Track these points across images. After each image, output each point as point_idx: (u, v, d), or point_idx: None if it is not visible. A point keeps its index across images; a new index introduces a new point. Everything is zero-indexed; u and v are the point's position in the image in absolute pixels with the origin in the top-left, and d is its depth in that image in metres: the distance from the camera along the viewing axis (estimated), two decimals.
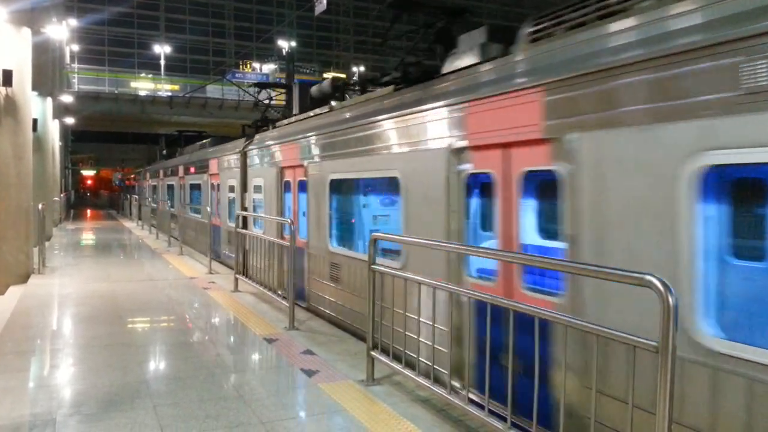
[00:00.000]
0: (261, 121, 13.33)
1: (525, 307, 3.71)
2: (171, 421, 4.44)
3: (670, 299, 2.62)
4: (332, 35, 77.63)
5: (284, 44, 49.90)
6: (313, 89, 10.12)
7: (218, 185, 14.28)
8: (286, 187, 9.85)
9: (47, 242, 15.58)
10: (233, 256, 11.96)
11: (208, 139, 18.91)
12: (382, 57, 77.26)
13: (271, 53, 62.89)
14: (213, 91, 46.16)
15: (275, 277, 9.08)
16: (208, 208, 14.22)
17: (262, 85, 17.13)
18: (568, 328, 3.38)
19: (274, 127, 11.34)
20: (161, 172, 24.98)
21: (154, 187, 27.62)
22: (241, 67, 61.65)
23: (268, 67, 59.11)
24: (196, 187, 17.41)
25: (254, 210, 11.44)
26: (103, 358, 6.07)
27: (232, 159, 12.76)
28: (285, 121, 10.94)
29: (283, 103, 23.01)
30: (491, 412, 3.97)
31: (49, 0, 14.50)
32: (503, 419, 3.81)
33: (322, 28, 75.70)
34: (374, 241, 5.29)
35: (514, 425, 3.77)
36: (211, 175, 15.08)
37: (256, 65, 61.35)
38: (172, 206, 20.78)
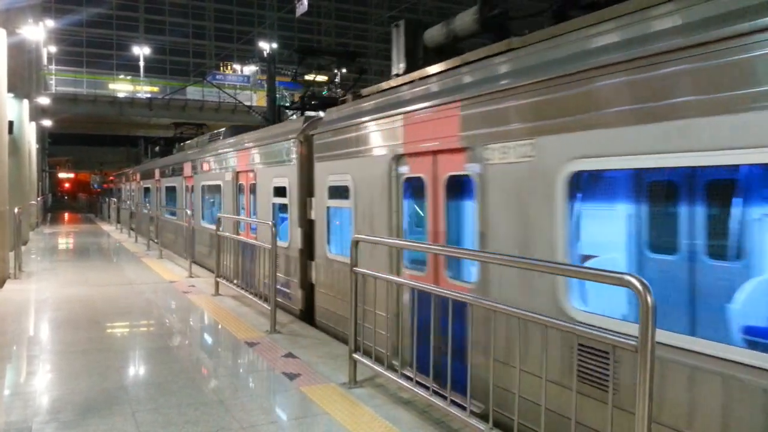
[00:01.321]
0: (309, 98, 10.14)
1: (509, 308, 3.72)
2: (150, 427, 4.38)
3: (649, 299, 2.64)
4: (314, 37, 77.47)
5: (265, 46, 49.69)
6: (428, 34, 6.82)
7: (252, 186, 10.45)
8: (437, 188, 5.58)
9: (24, 247, 15.32)
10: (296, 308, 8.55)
11: (222, 129, 14.53)
12: (363, 59, 77.22)
13: (252, 55, 62.56)
14: (193, 92, 45.78)
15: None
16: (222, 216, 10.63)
17: (311, 52, 11.23)
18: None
19: (359, 98, 7.39)
20: (156, 173, 20.89)
21: (147, 190, 23.52)
22: (221, 68, 61.22)
23: (249, 69, 58.77)
24: (212, 190, 13.45)
25: (331, 220, 7.67)
26: (81, 363, 5.97)
27: (280, 149, 8.91)
28: (402, 79, 6.50)
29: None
30: (473, 413, 3.97)
31: (25, 0, 14.22)
32: (485, 419, 3.82)
33: (303, 30, 75.54)
34: (356, 244, 5.28)
35: (496, 425, 3.77)
36: (238, 173, 11.28)
37: (237, 67, 60.98)
38: (172, 214, 17.14)
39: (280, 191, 8.93)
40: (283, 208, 9.06)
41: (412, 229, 6.21)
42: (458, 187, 5.43)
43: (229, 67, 61.28)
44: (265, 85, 40.56)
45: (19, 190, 18.23)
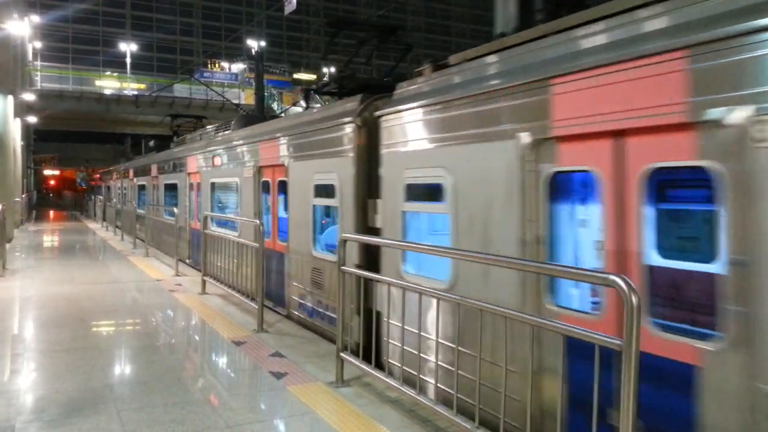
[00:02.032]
0: (343, 79, 8.06)
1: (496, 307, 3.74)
2: (135, 426, 4.36)
3: (633, 299, 2.67)
4: (302, 36, 77.28)
5: (253, 44, 49.49)
6: None
7: (281, 184, 8.60)
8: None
9: (8, 244, 15.15)
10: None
11: (232, 120, 12.80)
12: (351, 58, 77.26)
13: (240, 53, 62.27)
14: (181, 90, 45.53)
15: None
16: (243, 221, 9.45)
17: (345, 25, 8.58)
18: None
19: (442, 68, 5.65)
20: (153, 169, 18.60)
21: (141, 188, 21.31)
22: (209, 66, 60.89)
23: (237, 67, 58.51)
24: (226, 188, 11.63)
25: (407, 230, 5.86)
26: (66, 362, 5.92)
27: (327, 138, 7.06)
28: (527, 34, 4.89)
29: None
30: (460, 411, 3.99)
31: None
32: (471, 418, 3.84)
33: (292, 28, 75.34)
34: (344, 243, 5.27)
35: (482, 424, 3.79)
36: (261, 168, 9.31)
37: (225, 64, 60.68)
38: (170, 214, 14.10)
39: (324, 191, 7.22)
40: (323, 210, 7.78)
41: (565, 246, 4.32)
42: (670, 188, 3.98)
43: (216, 64, 60.96)
44: (253, 83, 40.46)
45: (4, 187, 18.04)
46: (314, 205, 7.49)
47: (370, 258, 6.21)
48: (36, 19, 43.97)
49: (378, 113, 6.12)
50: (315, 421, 4.49)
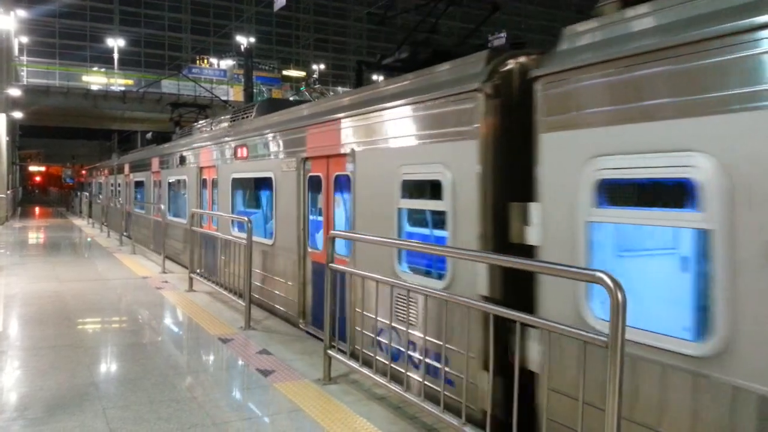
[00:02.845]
0: (422, 45, 6.79)
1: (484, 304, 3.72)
2: (121, 424, 4.32)
3: (620, 296, 2.68)
4: (292, 32, 77.00)
5: (243, 40, 49.24)
6: None
7: (342, 181, 6.82)
8: None
9: None
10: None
11: (254, 104, 10.89)
12: (341, 55, 77.18)
13: (229, 49, 61.98)
14: (168, 86, 45.19)
15: None
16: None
17: None
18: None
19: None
20: (155, 163, 16.07)
21: (138, 185, 18.80)
22: (198, 62, 60.53)
23: (226, 63, 58.22)
24: (254, 186, 10.15)
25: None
26: (50, 360, 5.87)
27: (429, 116, 5.14)
28: None
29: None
30: (446, 408, 3.99)
31: None
32: (458, 415, 3.84)
33: (281, 25, 75.03)
34: (332, 240, 5.26)
35: (468, 420, 3.79)
36: (306, 160, 7.44)
37: (214, 61, 60.35)
38: (174, 215, 13.04)
39: (418, 189, 5.51)
40: (414, 215, 5.96)
41: None
42: None
43: (205, 60, 60.62)
44: (242, 80, 40.30)
45: None
46: (399, 209, 5.47)
47: (516, 285, 4.22)
48: (22, 13, 43.49)
49: (539, 73, 4.04)
50: (302, 418, 4.48)
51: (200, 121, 14.43)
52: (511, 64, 4.49)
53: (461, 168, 4.68)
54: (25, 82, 40.99)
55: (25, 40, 49.06)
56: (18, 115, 33.51)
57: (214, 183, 10.98)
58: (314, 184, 7.40)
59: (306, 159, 7.42)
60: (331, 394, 4.98)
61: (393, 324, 5.00)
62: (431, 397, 4.26)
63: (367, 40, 79.25)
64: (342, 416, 4.50)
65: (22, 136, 51.63)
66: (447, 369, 4.51)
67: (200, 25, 72.39)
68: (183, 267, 9.91)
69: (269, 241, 8.36)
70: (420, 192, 5.49)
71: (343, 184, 6.83)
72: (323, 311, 5.43)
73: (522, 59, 4.50)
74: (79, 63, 58.68)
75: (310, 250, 7.44)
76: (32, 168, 70.24)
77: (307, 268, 7.39)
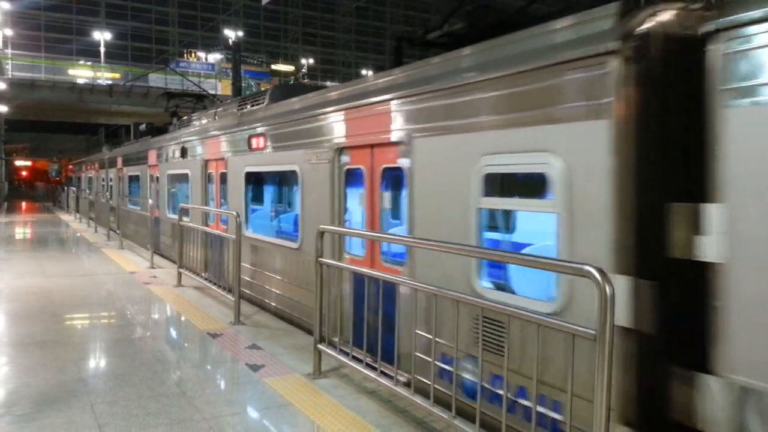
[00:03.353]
0: (479, 10, 5.86)
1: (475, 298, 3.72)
2: (109, 419, 4.30)
3: (608, 289, 2.70)
4: (280, 26, 76.57)
5: (231, 34, 48.92)
6: None
7: (391, 176, 5.83)
8: None
9: None
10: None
11: (267, 89, 10.11)
12: (330, 50, 76.88)
13: (217, 43, 61.53)
14: (156, 80, 44.87)
15: None
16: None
17: None
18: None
19: None
20: (152, 156, 14.61)
21: (133, 180, 17.39)
22: (185, 56, 60.05)
23: (214, 57, 57.82)
24: (277, 180, 9.61)
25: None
26: (37, 356, 5.82)
27: (541, 89, 3.92)
28: None
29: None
30: (437, 401, 4.00)
31: None
32: (448, 408, 3.85)
33: (270, 19, 74.57)
34: (321, 234, 5.25)
35: (458, 413, 3.81)
36: (342, 150, 6.37)
37: (202, 54, 59.91)
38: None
39: (509, 184, 4.58)
40: (493, 217, 5.35)
41: None
42: None
43: (193, 54, 60.16)
44: (230, 74, 40.06)
45: None
46: (479, 210, 4.41)
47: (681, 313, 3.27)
48: (6, 6, 42.96)
49: (720, 25, 2.99)
50: (292, 412, 4.48)
51: (202, 111, 13.30)
52: (654, 19, 3.33)
53: (582, 156, 3.61)
54: (10, 76, 40.53)
55: (9, 33, 48.44)
56: (3, 109, 33.15)
57: (223, 177, 9.75)
58: (353, 179, 6.31)
59: (342, 149, 6.27)
60: (322, 388, 4.98)
61: (471, 353, 4.22)
62: (421, 390, 4.27)
63: (356, 35, 78.99)
64: (332, 410, 4.51)
65: (7, 130, 51.09)
66: (560, 418, 3.63)
67: (188, 19, 71.77)
68: (196, 274, 9.25)
69: (294, 244, 7.22)
70: (510, 188, 4.48)
71: (393, 178, 5.76)
72: (366, 329, 4.73)
73: (669, 12, 3.33)
74: (65, 56, 58.03)
75: (347, 256, 6.19)
76: (18, 163, 69.49)
77: (344, 279, 5.89)
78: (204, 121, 11.87)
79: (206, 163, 10.63)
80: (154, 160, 14.48)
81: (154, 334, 6.80)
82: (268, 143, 8.03)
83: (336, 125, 6.37)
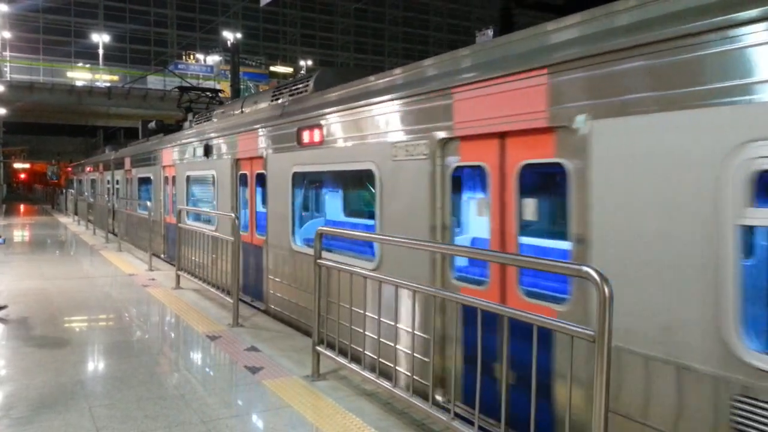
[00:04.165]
0: None
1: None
2: (107, 422, 4.29)
3: (606, 289, 2.69)
4: (279, 28, 76.61)
5: (229, 35, 48.97)
6: None
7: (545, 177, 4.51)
8: None
9: None
10: None
11: (301, 74, 7.87)
12: (328, 51, 76.90)
13: (216, 44, 61.56)
14: (154, 82, 44.89)
15: None
16: None
17: None
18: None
19: None
20: (165, 156, 13.32)
21: (144, 181, 15.85)
22: (184, 58, 60.08)
23: (213, 59, 57.84)
24: (326, 183, 8.23)
25: None
26: (35, 359, 5.81)
27: None
28: None
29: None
30: (435, 404, 4.00)
31: None
32: (447, 411, 3.85)
33: (268, 20, 74.62)
34: (320, 236, 5.25)
35: (457, 416, 3.80)
36: (458, 140, 4.76)
37: (200, 56, 59.93)
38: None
39: None
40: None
41: None
42: None
43: (191, 56, 60.18)
44: (229, 76, 40.06)
45: None
46: (741, 228, 2.89)
47: None
48: (4, 8, 42.96)
49: None
50: (291, 415, 4.47)
51: (225, 105, 11.81)
52: None
53: None
54: (8, 78, 40.54)
55: (8, 35, 48.45)
56: (1, 111, 33.12)
57: (260, 178, 8.46)
58: (466, 181, 5.18)
59: (448, 140, 4.79)
60: (320, 390, 4.97)
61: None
62: (420, 392, 4.27)
63: (355, 36, 79.03)
64: (331, 412, 4.50)
65: (6, 132, 51.04)
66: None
67: (186, 21, 71.80)
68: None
69: (370, 263, 5.66)
70: None
71: (542, 179, 4.49)
72: (479, 383, 3.67)
73: None
74: (63, 59, 58.02)
75: (457, 282, 4.70)
76: (16, 165, 69.42)
77: (450, 312, 4.59)
78: (228, 115, 10.56)
79: (237, 162, 9.16)
80: (169, 160, 13.03)
81: (152, 337, 6.79)
82: (327, 137, 6.50)
83: (440, 110, 4.81)
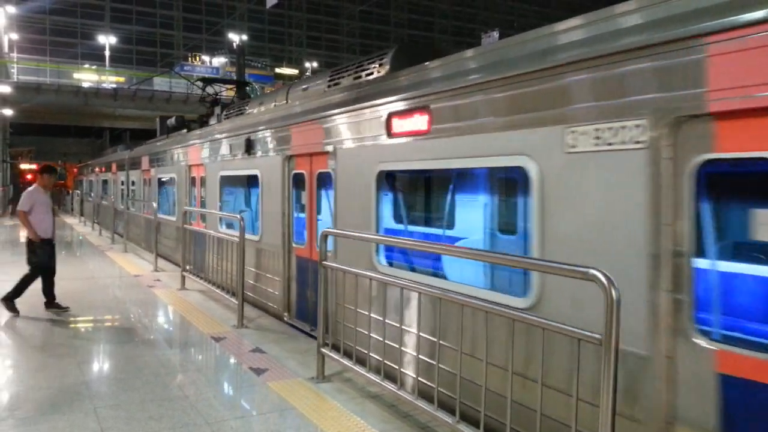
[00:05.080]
0: None
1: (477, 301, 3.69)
2: (112, 423, 4.29)
3: (614, 293, 2.68)
4: (284, 30, 76.76)
5: (235, 37, 49.06)
6: None
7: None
8: None
9: None
10: None
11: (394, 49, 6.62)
12: (334, 53, 77.01)
13: (221, 46, 61.74)
14: (161, 83, 45.00)
15: None
16: None
17: None
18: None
19: None
20: (192, 154, 11.78)
21: (165, 183, 14.23)
22: (190, 59, 60.26)
23: (219, 61, 57.99)
24: (469, 183, 6.16)
25: None
26: (41, 359, 5.82)
27: None
28: None
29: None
30: (440, 406, 3.98)
31: None
32: (452, 413, 3.83)
33: (274, 23, 74.77)
34: (325, 237, 5.24)
35: (463, 418, 3.79)
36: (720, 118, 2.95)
37: (206, 58, 60.11)
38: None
39: None
40: None
41: None
42: None
43: (197, 58, 60.36)
44: (235, 78, 40.14)
45: None
46: None
47: None
48: (12, 10, 43.20)
49: None
50: (295, 417, 4.46)
51: (264, 94, 10.29)
52: None
53: None
54: (15, 80, 40.75)
55: (15, 36, 48.69)
56: (9, 112, 33.30)
57: (324, 179, 7.02)
58: (723, 184, 3.61)
59: (690, 119, 3.11)
60: (325, 392, 4.96)
61: None
62: (425, 394, 4.25)
63: (360, 38, 79.10)
64: (335, 414, 4.49)
65: (12, 133, 51.27)
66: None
67: (192, 23, 72.01)
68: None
69: (523, 301, 3.99)
70: None
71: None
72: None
73: None
74: (70, 60, 58.27)
75: (719, 348, 2.99)
76: (23, 166, 69.75)
77: (690, 370, 3.08)
78: (267, 106, 9.15)
79: (290, 159, 7.60)
80: (197, 158, 11.42)
81: (157, 338, 6.79)
82: (439, 123, 4.86)
83: (679, 70, 3.12)
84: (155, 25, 70.26)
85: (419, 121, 5.09)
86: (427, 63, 5.39)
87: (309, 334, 6.79)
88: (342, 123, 6.34)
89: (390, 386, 4.46)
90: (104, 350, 6.27)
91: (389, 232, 6.20)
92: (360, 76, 6.73)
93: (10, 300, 7.88)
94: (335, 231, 5.49)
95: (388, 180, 5.99)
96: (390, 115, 5.48)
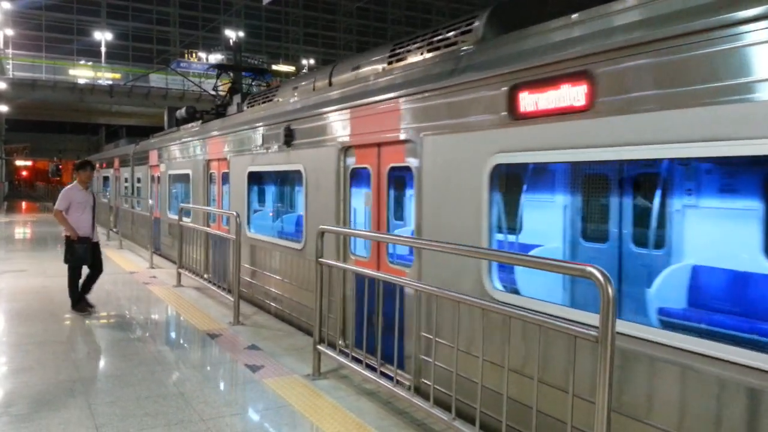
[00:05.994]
0: None
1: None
2: (107, 420, 4.28)
3: (610, 290, 2.67)
4: (281, 27, 76.60)
5: (231, 34, 48.88)
6: None
7: None
8: None
9: None
10: None
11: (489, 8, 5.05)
12: (331, 50, 76.91)
13: (218, 43, 61.56)
14: (157, 80, 44.88)
15: None
16: None
17: None
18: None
19: None
20: (214, 145, 10.26)
21: (180, 179, 12.51)
22: (186, 56, 60.09)
23: (215, 57, 57.82)
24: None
25: None
26: (36, 356, 5.80)
27: None
28: None
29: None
30: (436, 403, 3.98)
31: None
32: (448, 409, 3.83)
33: (270, 19, 74.60)
34: (321, 234, 5.23)
35: (458, 415, 3.78)
36: None
37: (202, 55, 59.92)
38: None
39: None
40: None
41: None
42: None
43: (194, 54, 60.19)
44: (231, 74, 39.99)
45: None
46: None
47: None
48: (7, 5, 42.97)
49: None
50: (291, 413, 4.45)
51: (297, 77, 8.78)
52: None
53: None
54: (11, 76, 40.57)
55: (10, 32, 48.47)
56: (4, 108, 33.16)
57: (397, 176, 5.86)
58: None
59: None
60: (321, 389, 4.95)
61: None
62: (421, 392, 4.24)
63: (357, 35, 78.99)
64: (331, 411, 4.48)
65: (8, 130, 51.15)
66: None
67: (188, 19, 71.80)
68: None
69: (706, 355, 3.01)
70: None
71: None
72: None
73: None
74: (65, 56, 58.03)
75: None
76: (18, 162, 69.52)
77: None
78: (312, 90, 7.76)
79: (346, 152, 6.32)
80: (218, 152, 10.04)
81: (153, 335, 6.78)
82: (606, 95, 3.45)
83: None
84: (151, 21, 70.06)
85: (570, 94, 3.67)
86: (574, 15, 3.87)
87: (359, 360, 4.99)
88: (430, 104, 4.94)
89: (386, 383, 4.45)
90: (99, 347, 6.25)
91: (505, 247, 4.72)
92: (437, 48, 5.41)
93: (77, 304, 7.74)
94: (330, 228, 5.45)
95: (508, 176, 4.60)
96: (513, 89, 4.08)
